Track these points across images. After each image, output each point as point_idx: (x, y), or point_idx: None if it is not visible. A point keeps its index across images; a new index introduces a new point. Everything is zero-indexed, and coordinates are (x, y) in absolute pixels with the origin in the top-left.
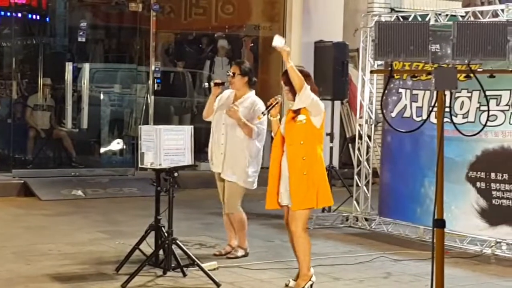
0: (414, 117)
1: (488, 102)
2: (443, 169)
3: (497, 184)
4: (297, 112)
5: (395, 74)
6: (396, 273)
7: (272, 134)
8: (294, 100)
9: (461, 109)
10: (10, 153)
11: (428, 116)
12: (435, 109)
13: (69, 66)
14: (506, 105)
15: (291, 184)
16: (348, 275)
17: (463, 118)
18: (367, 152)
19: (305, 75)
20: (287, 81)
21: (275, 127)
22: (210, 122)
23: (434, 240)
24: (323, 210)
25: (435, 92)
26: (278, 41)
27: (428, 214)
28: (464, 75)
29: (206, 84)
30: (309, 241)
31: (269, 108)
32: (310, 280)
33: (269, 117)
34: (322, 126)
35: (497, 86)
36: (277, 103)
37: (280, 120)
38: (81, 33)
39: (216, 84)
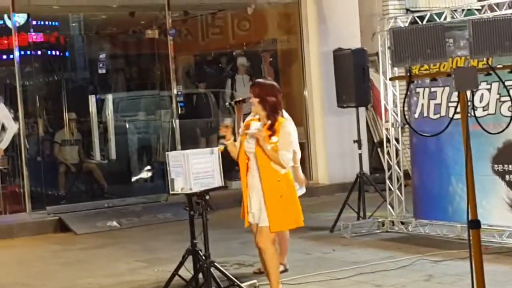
0: (432, 115)
1: (510, 95)
2: (473, 169)
3: None
4: (271, 130)
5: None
6: (438, 275)
7: (234, 157)
8: (263, 113)
9: (480, 101)
10: (43, 191)
11: (453, 116)
12: (451, 104)
13: (92, 99)
14: None
15: (268, 206)
16: (389, 281)
17: (483, 110)
18: (397, 155)
19: (272, 89)
20: (259, 93)
21: (233, 150)
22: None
23: (471, 241)
24: (358, 217)
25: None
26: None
27: (459, 211)
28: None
29: (227, 104)
30: (277, 255)
31: (221, 137)
32: None
33: (224, 142)
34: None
35: None
36: (226, 127)
37: (235, 139)
38: (101, 64)
39: (237, 103)
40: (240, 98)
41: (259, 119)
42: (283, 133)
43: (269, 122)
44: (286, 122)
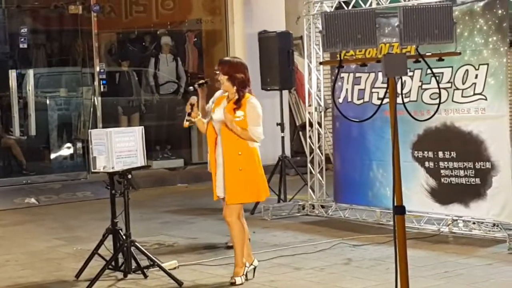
0: (355, 100)
1: (438, 83)
2: (399, 156)
3: (445, 163)
4: (237, 104)
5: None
6: (357, 259)
7: (203, 132)
8: (232, 89)
9: (403, 88)
10: None
11: (382, 101)
12: (375, 90)
13: (12, 73)
14: (448, 82)
15: (227, 179)
16: (309, 264)
17: (405, 97)
18: (319, 139)
19: (240, 66)
20: (228, 71)
21: (202, 126)
22: (157, 118)
23: (396, 226)
24: (279, 200)
25: (380, 75)
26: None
27: (379, 196)
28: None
29: (191, 88)
30: (244, 229)
31: (188, 113)
32: (245, 266)
33: (192, 119)
34: None
35: (439, 64)
36: (192, 105)
37: (204, 114)
38: (22, 39)
39: (200, 85)
40: (203, 81)
41: (228, 96)
42: (250, 108)
43: (236, 97)
44: (252, 97)
